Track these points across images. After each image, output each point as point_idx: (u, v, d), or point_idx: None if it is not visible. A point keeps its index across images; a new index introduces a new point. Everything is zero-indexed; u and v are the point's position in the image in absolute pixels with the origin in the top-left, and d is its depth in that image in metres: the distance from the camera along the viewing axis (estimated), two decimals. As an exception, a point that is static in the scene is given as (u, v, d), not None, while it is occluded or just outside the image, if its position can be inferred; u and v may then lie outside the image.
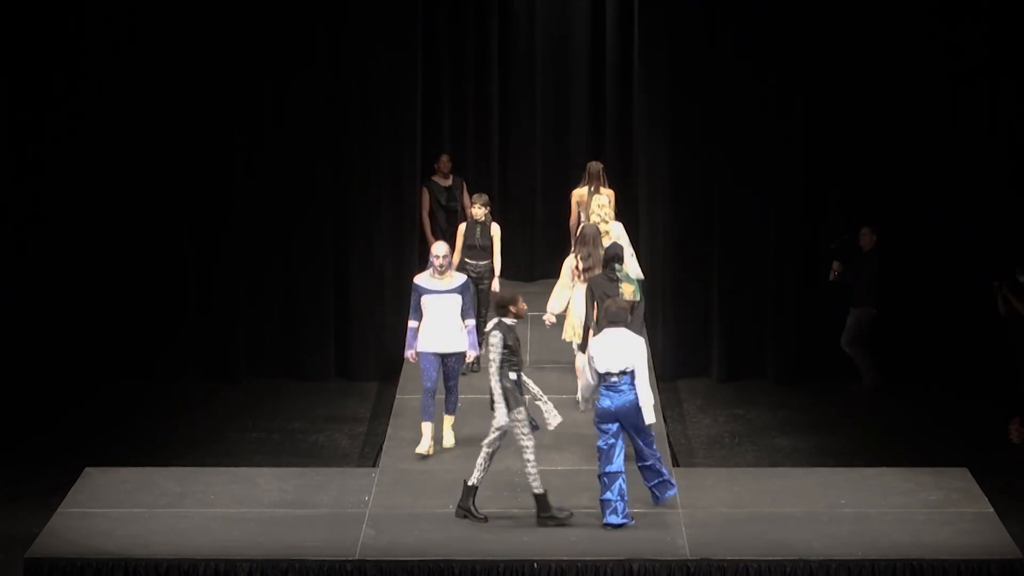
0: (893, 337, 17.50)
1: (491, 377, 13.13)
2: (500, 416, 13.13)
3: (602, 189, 16.82)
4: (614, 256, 14.73)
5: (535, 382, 16.20)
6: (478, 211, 16.22)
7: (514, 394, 13.12)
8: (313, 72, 17.40)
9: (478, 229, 16.24)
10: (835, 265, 17.28)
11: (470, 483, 13.21)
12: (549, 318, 15.37)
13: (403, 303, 17.53)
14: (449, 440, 14.73)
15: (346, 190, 17.66)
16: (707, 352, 17.78)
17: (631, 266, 15.23)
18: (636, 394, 13.14)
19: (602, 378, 13.19)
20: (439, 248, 14.49)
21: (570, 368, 15.92)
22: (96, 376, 17.34)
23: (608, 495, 13.10)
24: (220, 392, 17.47)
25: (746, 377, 17.77)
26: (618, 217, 16.59)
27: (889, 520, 13.20)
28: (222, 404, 17.13)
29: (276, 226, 17.69)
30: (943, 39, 17.19)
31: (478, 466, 13.21)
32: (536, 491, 13.13)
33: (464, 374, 15.82)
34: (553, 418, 13.33)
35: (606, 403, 13.17)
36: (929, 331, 17.44)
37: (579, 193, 17.04)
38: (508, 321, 13.22)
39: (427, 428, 14.50)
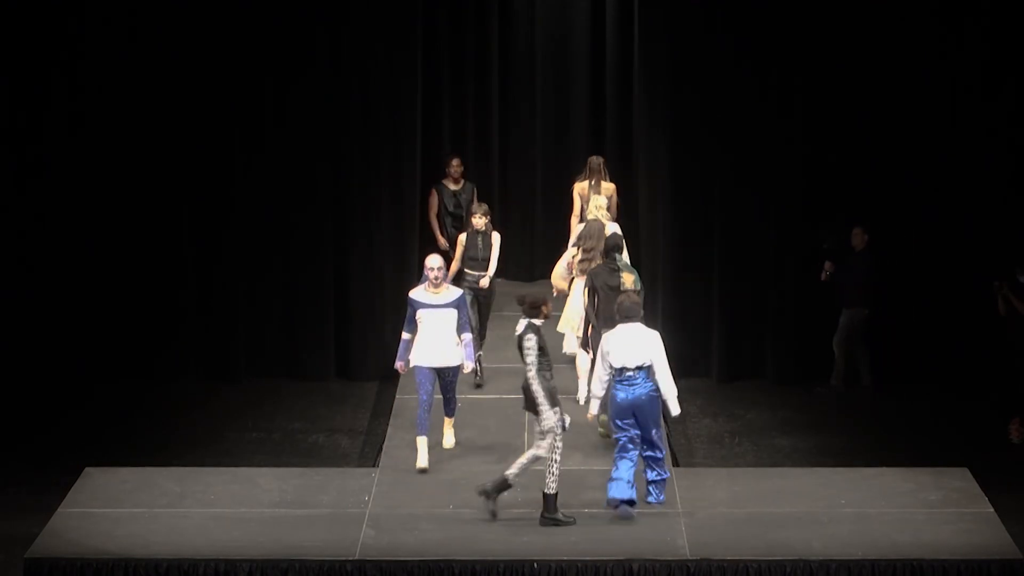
0: (893, 337, 17.49)
1: (532, 381, 13.07)
2: (548, 418, 13.08)
3: (603, 183, 17.01)
4: (615, 246, 14.96)
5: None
6: (478, 221, 16.08)
7: (554, 394, 13.12)
8: (313, 72, 17.39)
9: (479, 239, 16.11)
10: (827, 265, 17.27)
11: (549, 492, 13.13)
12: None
13: (403, 303, 17.58)
14: (449, 441, 14.71)
15: (346, 190, 17.65)
16: (707, 352, 17.77)
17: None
18: (652, 387, 13.29)
19: (617, 372, 13.23)
20: (434, 261, 14.35)
21: (569, 368, 15.93)
22: (96, 376, 17.33)
23: (618, 474, 13.22)
24: (220, 392, 17.46)
25: (746, 377, 17.76)
26: (619, 211, 16.90)
27: (889, 520, 13.20)
28: (222, 404, 17.12)
29: (276, 226, 17.68)
30: (943, 39, 17.18)
31: (550, 473, 13.09)
32: (548, 490, 13.13)
33: (479, 386, 15.88)
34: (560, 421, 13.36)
35: (621, 396, 13.24)
36: (929, 331, 17.43)
37: (581, 186, 17.19)
38: (537, 322, 13.22)
39: (422, 443, 14.35)
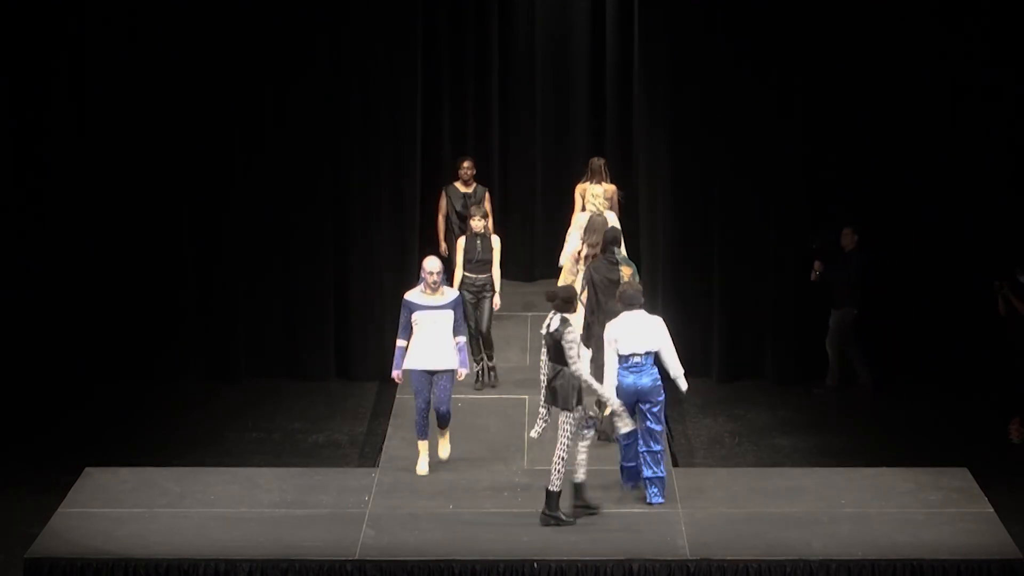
0: (893, 337, 17.50)
1: (581, 373, 13.02)
2: (613, 401, 13.25)
3: (603, 184, 17.00)
4: (613, 239, 15.08)
5: (536, 382, 16.28)
6: (477, 224, 15.99)
7: (591, 387, 13.16)
8: (313, 72, 17.39)
9: (478, 242, 16.01)
10: (816, 264, 17.26)
11: (553, 489, 13.14)
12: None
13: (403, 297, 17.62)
14: (445, 451, 14.42)
15: (346, 190, 17.66)
16: (707, 352, 17.78)
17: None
18: (657, 374, 13.47)
19: (623, 359, 13.35)
20: (432, 264, 14.12)
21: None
22: (96, 376, 17.34)
23: (629, 464, 13.47)
24: (220, 392, 17.46)
25: (746, 377, 17.77)
26: (620, 211, 16.92)
27: (889, 520, 13.20)
28: (222, 404, 17.13)
29: (276, 226, 17.69)
30: (943, 39, 17.18)
31: (556, 471, 13.07)
32: (552, 488, 13.13)
33: (479, 389, 15.82)
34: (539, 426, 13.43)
35: (628, 381, 13.38)
36: (930, 331, 17.43)
37: (582, 187, 17.18)
38: (570, 316, 13.23)
39: (424, 446, 14.29)
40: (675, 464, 14.84)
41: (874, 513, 13.35)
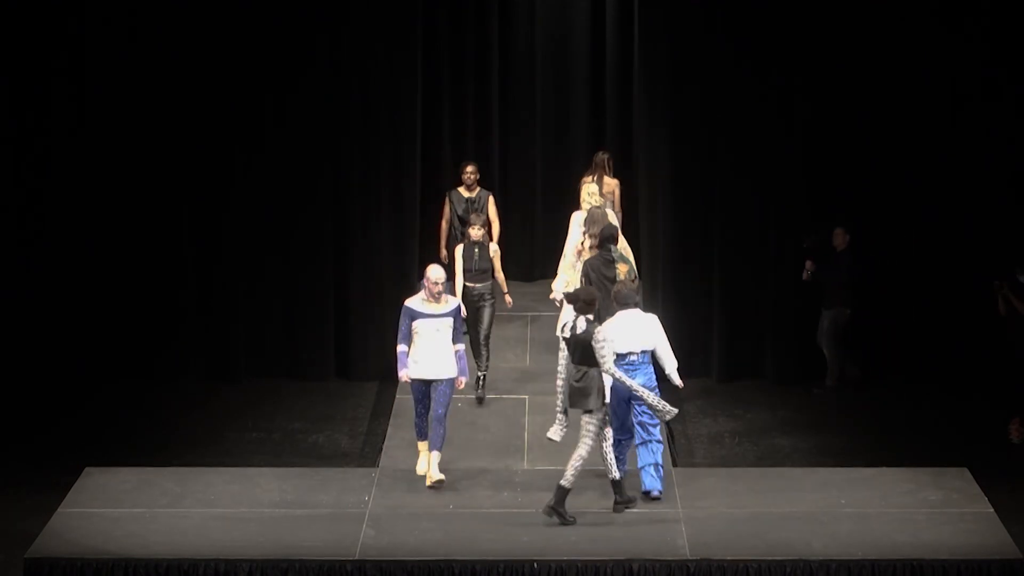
0: (893, 337, 17.50)
1: (614, 372, 13.04)
2: (660, 403, 13.22)
3: (606, 178, 17.20)
4: (609, 236, 15.21)
5: (536, 386, 16.32)
6: (476, 232, 15.80)
7: (625, 385, 13.21)
8: (313, 72, 17.39)
9: (476, 250, 15.85)
10: (808, 264, 17.26)
11: (565, 485, 13.18)
12: (557, 295, 15.87)
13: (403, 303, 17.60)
14: (436, 474, 13.91)
15: (346, 190, 17.65)
16: (707, 352, 17.78)
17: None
18: (652, 373, 13.55)
19: (620, 358, 13.38)
20: (436, 273, 13.82)
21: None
22: (96, 376, 17.34)
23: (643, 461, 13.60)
24: (220, 392, 17.46)
25: (746, 377, 17.77)
26: (622, 207, 17.20)
27: (889, 520, 13.20)
28: (222, 404, 17.13)
29: (276, 226, 17.68)
30: (943, 39, 17.17)
31: (573, 468, 13.15)
32: (565, 483, 13.15)
33: (480, 400, 15.69)
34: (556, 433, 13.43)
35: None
36: (929, 331, 17.43)
37: (587, 180, 17.20)
38: (591, 317, 13.25)
39: (424, 446, 14.12)
40: (675, 464, 14.84)
41: (874, 513, 13.35)
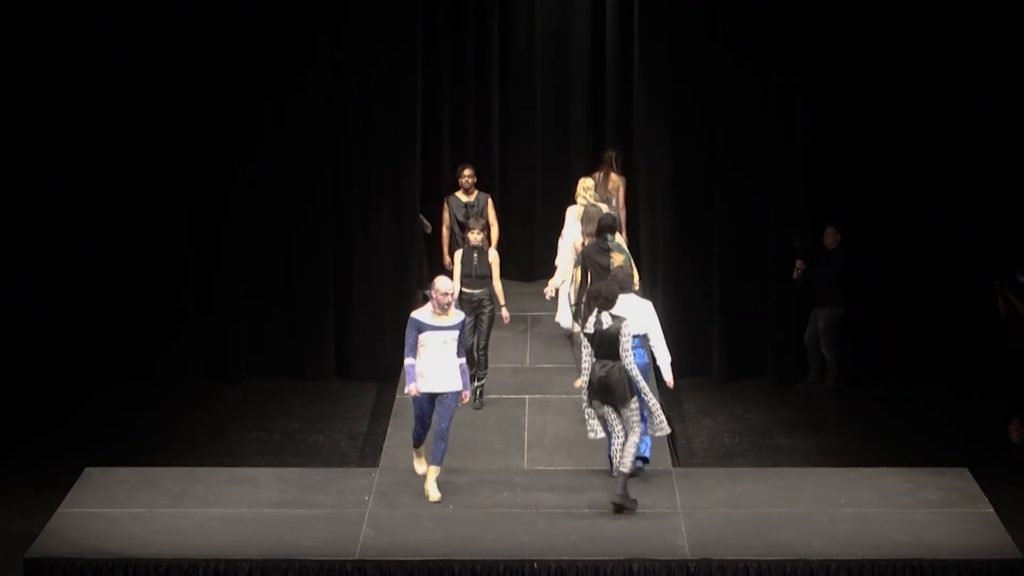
0: (893, 337, 17.49)
1: (631, 371, 13.17)
2: (648, 394, 13.42)
3: (611, 175, 17.50)
4: (607, 226, 15.39)
5: (536, 382, 16.32)
6: (475, 237, 15.61)
7: (635, 380, 13.29)
8: (313, 72, 17.39)
9: (475, 256, 15.63)
10: (798, 263, 17.27)
11: (626, 471, 13.34)
12: (549, 292, 16.09)
13: (403, 303, 17.59)
14: (435, 494, 13.70)
15: (346, 190, 17.65)
16: (707, 352, 17.78)
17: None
18: (646, 357, 13.69)
19: None
20: (445, 285, 13.52)
21: (568, 370, 15.95)
22: (96, 376, 17.33)
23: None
24: (220, 392, 17.46)
25: (746, 377, 17.77)
26: (627, 205, 17.52)
27: (889, 520, 13.20)
28: (222, 404, 17.12)
29: (276, 226, 17.68)
30: (943, 39, 17.16)
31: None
32: (624, 470, 13.32)
33: (478, 408, 15.62)
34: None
35: None
36: (929, 331, 17.43)
37: (597, 176, 17.60)
38: (616, 314, 13.34)
39: (421, 452, 13.88)
40: (675, 464, 14.84)
41: (874, 513, 13.34)
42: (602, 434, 13.44)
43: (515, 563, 12.55)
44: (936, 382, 17.24)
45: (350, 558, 12.60)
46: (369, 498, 13.69)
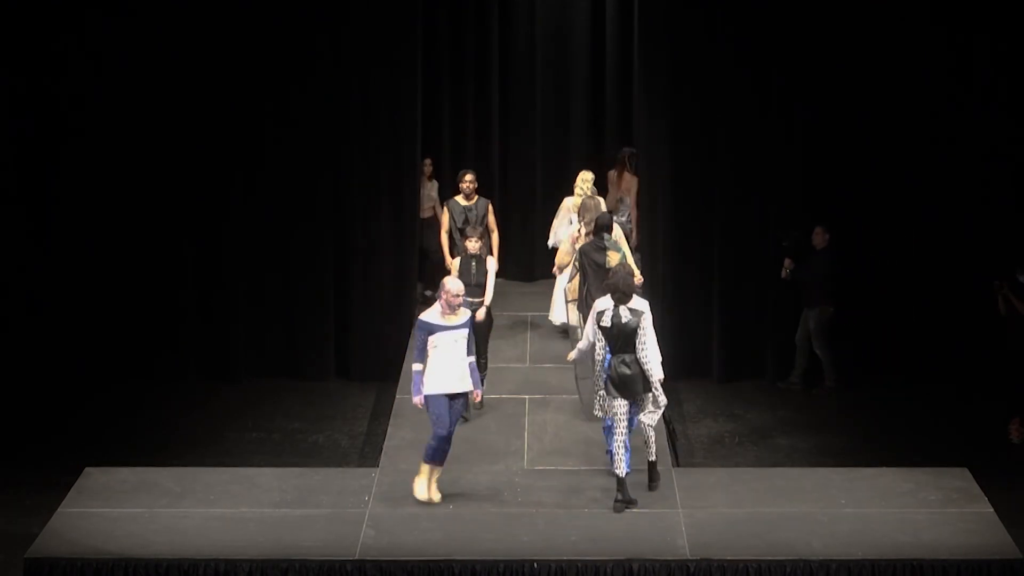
0: (893, 337, 17.50)
1: (646, 363, 13.30)
2: (662, 394, 13.57)
3: (625, 174, 17.97)
4: (604, 225, 15.40)
5: (536, 382, 16.31)
6: (472, 244, 15.25)
7: (649, 372, 13.48)
8: (313, 73, 17.39)
9: (473, 264, 15.27)
10: (787, 263, 17.26)
11: (653, 459, 13.71)
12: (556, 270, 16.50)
13: (403, 303, 17.61)
14: (436, 495, 13.61)
15: (346, 190, 17.66)
16: (707, 352, 17.78)
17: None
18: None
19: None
20: (456, 286, 13.31)
21: (568, 369, 15.93)
22: (97, 376, 17.34)
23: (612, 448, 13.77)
24: (220, 392, 17.47)
25: (746, 377, 17.77)
26: (638, 205, 17.86)
27: (889, 520, 13.20)
28: (222, 404, 17.13)
29: (276, 226, 17.69)
30: (943, 38, 17.16)
31: (652, 442, 13.66)
32: (652, 458, 13.65)
33: (479, 407, 15.32)
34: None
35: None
36: (929, 331, 17.43)
37: (612, 174, 18.24)
38: (635, 308, 13.47)
39: (436, 471, 13.54)
40: (675, 464, 14.84)
41: (874, 513, 13.34)
42: (600, 414, 13.66)
43: (515, 563, 12.55)
44: (936, 382, 17.24)
45: (350, 558, 12.60)
46: (369, 498, 13.69)
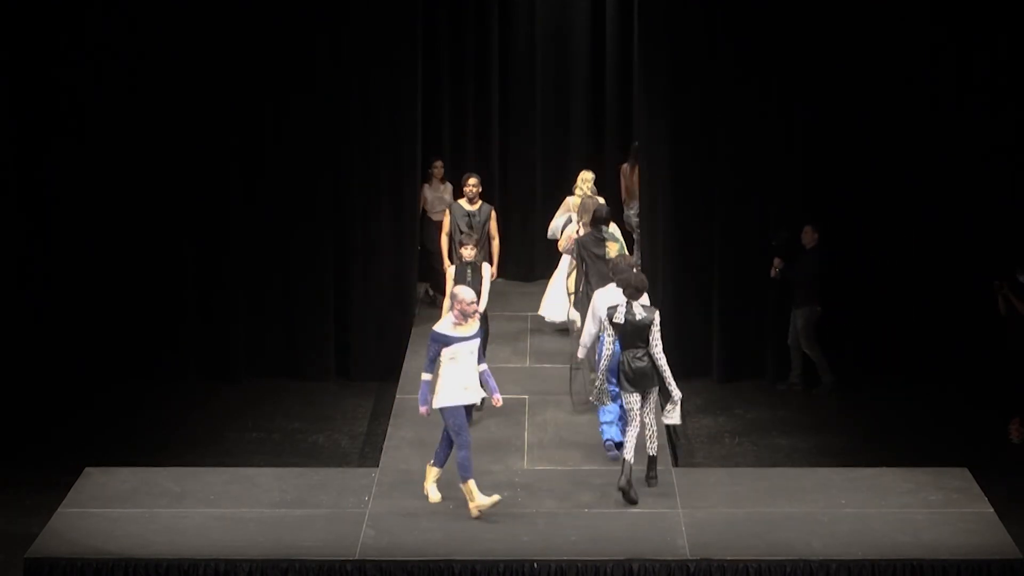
0: (893, 337, 17.50)
1: (658, 358, 13.41)
2: (676, 392, 13.63)
3: (638, 167, 18.11)
4: (602, 218, 15.53)
5: (536, 382, 16.31)
6: (468, 252, 14.99)
7: (662, 368, 13.60)
8: (313, 72, 17.40)
9: (468, 272, 14.99)
10: (776, 262, 17.26)
11: (653, 454, 13.77)
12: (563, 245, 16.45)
13: (403, 303, 17.62)
14: (435, 495, 13.62)
15: (346, 190, 17.66)
16: (707, 352, 17.78)
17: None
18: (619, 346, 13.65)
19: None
20: (468, 294, 13.10)
21: (567, 367, 15.96)
22: (97, 377, 17.34)
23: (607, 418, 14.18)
24: (220, 392, 17.47)
25: (746, 377, 17.77)
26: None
27: (889, 520, 13.20)
28: (222, 404, 17.13)
29: (276, 226, 17.69)
30: (943, 38, 17.17)
31: (653, 438, 13.70)
32: (652, 453, 13.69)
33: (478, 409, 15.18)
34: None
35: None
36: (929, 331, 17.43)
37: (624, 167, 18.64)
38: (648, 304, 13.58)
39: (472, 485, 13.31)
40: (675, 464, 14.84)
41: (874, 513, 13.34)
42: (608, 401, 13.80)
43: (515, 563, 12.55)
44: (936, 382, 17.24)
45: (350, 558, 12.60)
46: (369, 498, 13.69)
